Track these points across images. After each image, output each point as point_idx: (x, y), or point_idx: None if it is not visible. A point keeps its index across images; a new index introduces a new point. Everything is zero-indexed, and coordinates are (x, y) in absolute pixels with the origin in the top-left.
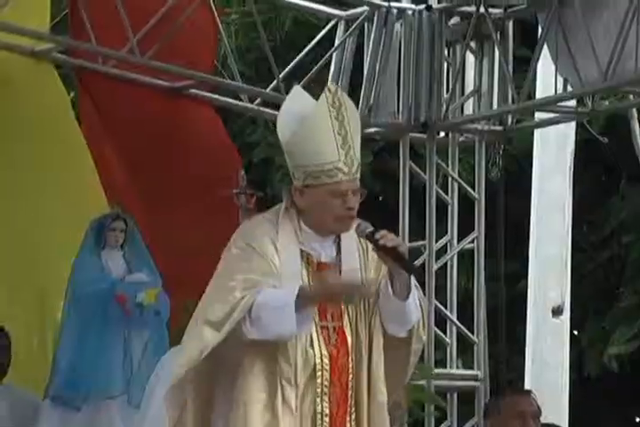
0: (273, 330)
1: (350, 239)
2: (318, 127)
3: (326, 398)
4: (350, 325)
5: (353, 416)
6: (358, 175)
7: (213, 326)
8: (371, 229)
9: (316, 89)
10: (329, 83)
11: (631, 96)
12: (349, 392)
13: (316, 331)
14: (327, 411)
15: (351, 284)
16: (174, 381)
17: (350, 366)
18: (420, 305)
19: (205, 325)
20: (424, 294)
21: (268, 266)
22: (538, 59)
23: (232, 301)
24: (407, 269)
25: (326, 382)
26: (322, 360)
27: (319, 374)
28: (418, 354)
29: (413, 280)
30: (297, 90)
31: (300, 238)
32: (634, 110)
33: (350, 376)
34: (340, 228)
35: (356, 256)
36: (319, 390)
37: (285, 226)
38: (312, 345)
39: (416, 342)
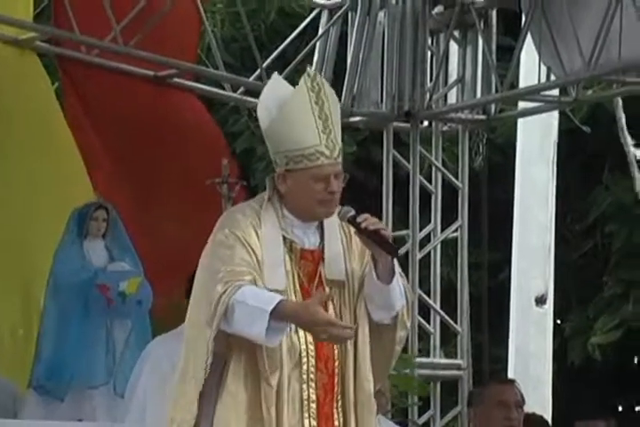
0: (242, 329)
1: (333, 226)
2: (298, 111)
3: (313, 385)
4: (335, 312)
5: (340, 403)
6: (340, 159)
7: (208, 324)
8: (352, 213)
9: (299, 78)
10: (308, 69)
11: (614, 85)
12: (336, 379)
13: None
14: (314, 397)
15: (336, 324)
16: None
17: (336, 352)
18: (405, 293)
19: (205, 325)
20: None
21: (249, 256)
22: (521, 48)
23: (214, 296)
24: (390, 252)
25: (312, 369)
26: (307, 347)
27: (304, 360)
28: (403, 342)
29: (398, 268)
30: (276, 77)
31: (283, 225)
32: (619, 99)
33: (336, 363)
34: (323, 212)
35: (339, 243)
36: (305, 376)
37: (268, 213)
38: (297, 332)
39: (400, 329)
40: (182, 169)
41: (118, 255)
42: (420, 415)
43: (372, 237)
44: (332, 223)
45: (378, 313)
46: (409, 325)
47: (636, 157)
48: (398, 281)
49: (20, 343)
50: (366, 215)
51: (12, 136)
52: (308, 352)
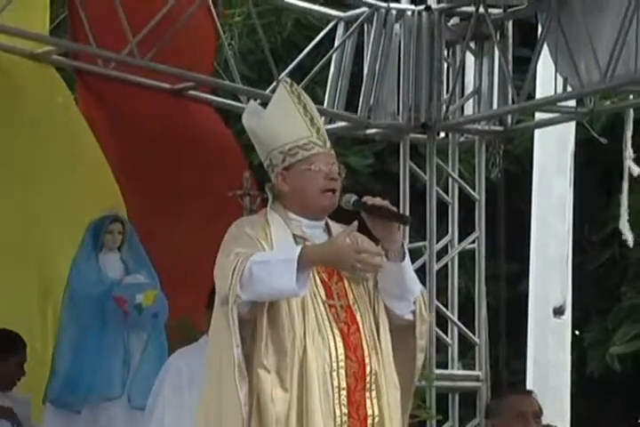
0: (268, 286)
1: (339, 229)
2: (285, 109)
3: (342, 372)
4: (357, 303)
5: (374, 393)
6: (333, 152)
7: (224, 299)
8: (355, 197)
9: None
10: (284, 77)
11: (631, 96)
12: (367, 368)
13: (325, 309)
14: (344, 384)
15: (363, 249)
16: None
17: (364, 342)
18: (422, 293)
19: (220, 301)
20: None
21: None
22: (537, 59)
23: (229, 267)
24: (404, 222)
25: (341, 357)
26: (334, 337)
27: (333, 348)
28: (424, 337)
29: (413, 272)
30: (252, 104)
31: (292, 227)
32: (630, 112)
33: (366, 352)
34: (327, 200)
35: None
36: (335, 364)
37: (275, 219)
38: (323, 320)
39: (420, 323)
40: (199, 182)
41: (134, 268)
42: None
43: (382, 214)
44: (337, 229)
45: (399, 306)
46: (428, 318)
47: (630, 171)
48: (409, 263)
49: (37, 358)
50: (369, 196)
51: (34, 144)
52: (335, 342)
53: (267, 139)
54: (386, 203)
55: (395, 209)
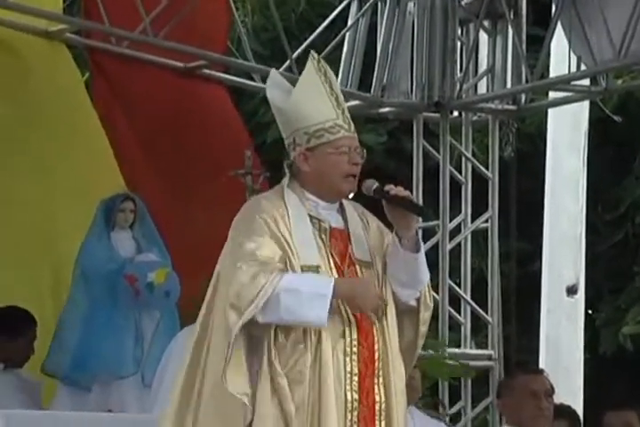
0: (294, 316)
1: (352, 211)
2: (312, 89)
3: (355, 358)
4: None
5: (381, 380)
6: (356, 135)
7: (237, 311)
8: (377, 184)
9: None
10: (312, 52)
11: None
12: (376, 354)
13: None
14: (356, 370)
15: (381, 298)
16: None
17: (374, 328)
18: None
19: (231, 309)
20: (438, 274)
21: (279, 239)
22: (551, 37)
23: (258, 285)
24: (419, 213)
25: (355, 342)
26: (349, 322)
27: (347, 333)
28: (427, 323)
29: (425, 263)
30: (274, 73)
31: (308, 207)
32: None
33: (375, 338)
34: (348, 187)
35: (359, 227)
36: (348, 349)
37: (291, 198)
38: (339, 306)
39: (425, 310)
40: (208, 161)
41: (146, 246)
42: (450, 406)
43: (400, 203)
44: (350, 208)
45: (404, 293)
46: (431, 305)
47: None
48: (424, 256)
49: (50, 337)
50: (391, 185)
51: (42, 127)
52: (351, 327)
53: (293, 118)
54: (407, 193)
55: (416, 201)
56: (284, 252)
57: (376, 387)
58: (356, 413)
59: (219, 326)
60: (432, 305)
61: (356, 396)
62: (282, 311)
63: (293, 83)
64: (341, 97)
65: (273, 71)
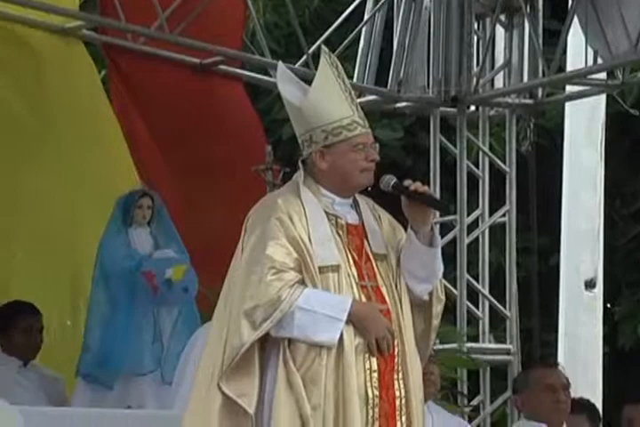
0: (305, 335)
1: (365, 206)
2: (329, 86)
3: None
4: (384, 284)
5: (400, 375)
6: (370, 131)
7: (251, 323)
8: (395, 179)
9: (345, 64)
10: (323, 47)
11: None
12: (395, 349)
13: (358, 291)
14: (375, 367)
15: (390, 330)
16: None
17: (394, 324)
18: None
19: (244, 319)
20: (455, 269)
21: (296, 239)
22: (568, 31)
23: (275, 300)
24: (440, 209)
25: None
26: None
27: None
28: (439, 316)
29: (440, 258)
30: (281, 66)
31: (324, 203)
32: None
33: (394, 334)
34: (365, 181)
35: (374, 221)
36: (367, 346)
37: (307, 194)
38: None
39: (437, 303)
40: (224, 157)
41: (164, 243)
42: (469, 400)
43: (421, 198)
44: (363, 202)
45: (419, 287)
46: (443, 298)
47: None
48: (439, 251)
49: (68, 334)
50: (410, 180)
51: (58, 125)
52: None
53: (310, 116)
54: (426, 189)
55: (435, 196)
56: (301, 254)
57: (396, 383)
58: (377, 409)
59: (233, 331)
60: (444, 298)
61: (376, 392)
62: (295, 329)
63: (310, 78)
64: (353, 93)
65: (280, 64)
